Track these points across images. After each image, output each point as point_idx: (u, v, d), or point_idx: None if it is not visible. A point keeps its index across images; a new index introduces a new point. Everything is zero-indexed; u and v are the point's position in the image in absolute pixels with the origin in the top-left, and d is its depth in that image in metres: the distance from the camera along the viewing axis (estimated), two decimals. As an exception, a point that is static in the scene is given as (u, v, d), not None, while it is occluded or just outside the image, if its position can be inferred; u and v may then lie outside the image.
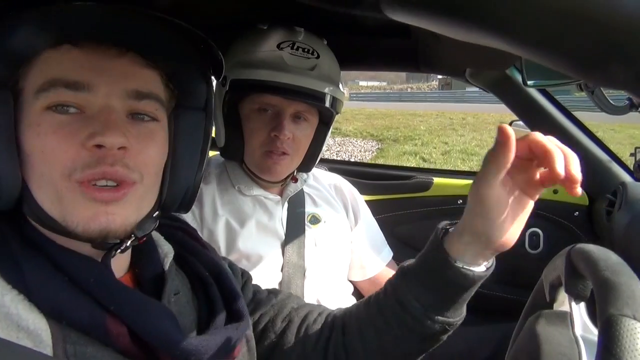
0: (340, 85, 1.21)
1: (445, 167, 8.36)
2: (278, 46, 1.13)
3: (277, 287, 1.14)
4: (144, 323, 0.56)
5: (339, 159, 8.29)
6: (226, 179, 1.24)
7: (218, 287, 0.72)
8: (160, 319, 0.58)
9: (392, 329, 0.76)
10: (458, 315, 0.75)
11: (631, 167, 1.61)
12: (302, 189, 1.30)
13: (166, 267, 0.68)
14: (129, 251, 0.66)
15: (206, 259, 0.76)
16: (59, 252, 0.56)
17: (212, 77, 0.71)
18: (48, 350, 0.51)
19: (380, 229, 1.48)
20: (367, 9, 0.28)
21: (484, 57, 1.34)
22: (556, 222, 1.69)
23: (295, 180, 1.28)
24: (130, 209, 0.59)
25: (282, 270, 1.17)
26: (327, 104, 1.15)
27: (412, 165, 8.36)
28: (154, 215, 0.66)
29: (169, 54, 0.63)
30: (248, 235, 1.17)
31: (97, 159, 0.55)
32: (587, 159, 1.64)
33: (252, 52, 1.13)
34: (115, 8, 0.57)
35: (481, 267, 0.71)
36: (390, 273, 1.43)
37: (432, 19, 0.27)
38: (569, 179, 0.58)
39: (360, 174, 1.87)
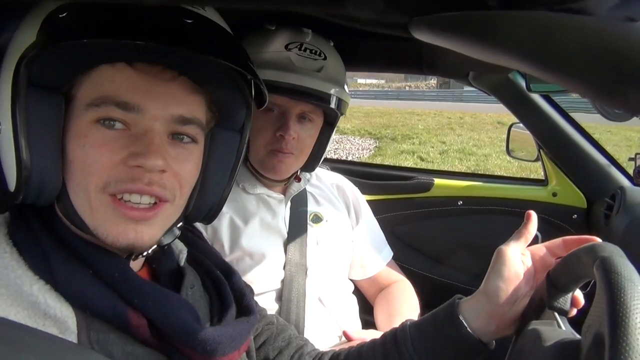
0: (346, 87, 1.22)
1: (442, 166, 8.39)
2: (286, 47, 1.14)
3: (279, 284, 1.16)
4: (165, 315, 0.58)
5: (337, 158, 8.29)
6: (230, 177, 1.25)
7: (229, 284, 0.74)
8: (180, 310, 0.60)
9: None
10: None
11: (629, 171, 1.63)
12: (304, 188, 1.31)
13: (182, 262, 0.72)
14: None
15: (216, 258, 0.78)
16: (85, 248, 0.59)
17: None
18: (73, 337, 0.53)
19: (381, 228, 1.49)
20: (396, 30, 0.29)
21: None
22: (554, 224, 1.71)
23: (299, 179, 1.29)
24: (158, 227, 0.62)
25: (284, 268, 1.18)
26: (333, 105, 1.16)
27: (410, 164, 8.40)
28: (178, 225, 0.68)
29: (219, 82, 0.64)
30: (252, 233, 1.18)
31: (132, 176, 0.57)
32: (586, 163, 1.66)
33: (260, 53, 1.13)
34: None
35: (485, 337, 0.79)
36: (390, 272, 1.45)
37: (461, 43, 0.28)
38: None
39: (362, 174, 1.88)
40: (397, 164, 8.14)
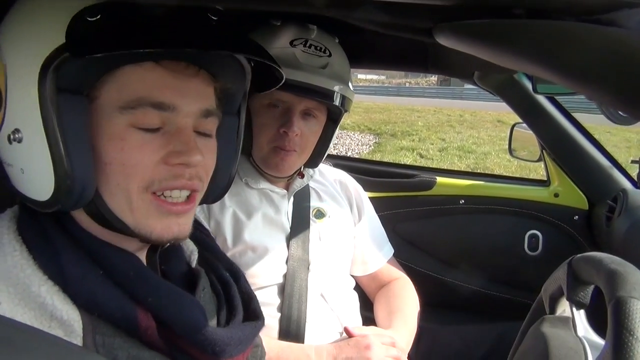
0: (350, 84, 1.22)
1: (442, 164, 8.39)
2: (291, 43, 1.13)
3: (281, 279, 1.16)
4: (179, 313, 0.59)
5: (336, 153, 8.28)
6: (234, 172, 1.25)
7: (237, 287, 0.75)
8: (193, 311, 0.61)
9: None
10: None
11: (631, 173, 1.63)
12: (307, 183, 1.32)
13: (193, 263, 0.72)
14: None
15: (224, 259, 0.79)
16: (100, 247, 0.59)
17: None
18: (78, 340, 0.53)
19: (382, 226, 1.49)
20: (420, 35, 0.29)
21: (493, 61, 1.35)
22: (556, 225, 1.71)
23: (302, 175, 1.29)
24: (192, 217, 0.64)
25: (286, 263, 1.18)
26: (337, 102, 1.16)
27: (409, 161, 8.40)
28: None
29: (234, 74, 0.66)
30: (254, 227, 1.18)
31: (175, 174, 0.59)
32: (589, 164, 1.66)
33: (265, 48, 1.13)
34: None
35: None
36: (391, 270, 1.45)
37: (486, 49, 0.28)
38: None
39: (364, 171, 1.88)
40: (396, 161, 8.16)
